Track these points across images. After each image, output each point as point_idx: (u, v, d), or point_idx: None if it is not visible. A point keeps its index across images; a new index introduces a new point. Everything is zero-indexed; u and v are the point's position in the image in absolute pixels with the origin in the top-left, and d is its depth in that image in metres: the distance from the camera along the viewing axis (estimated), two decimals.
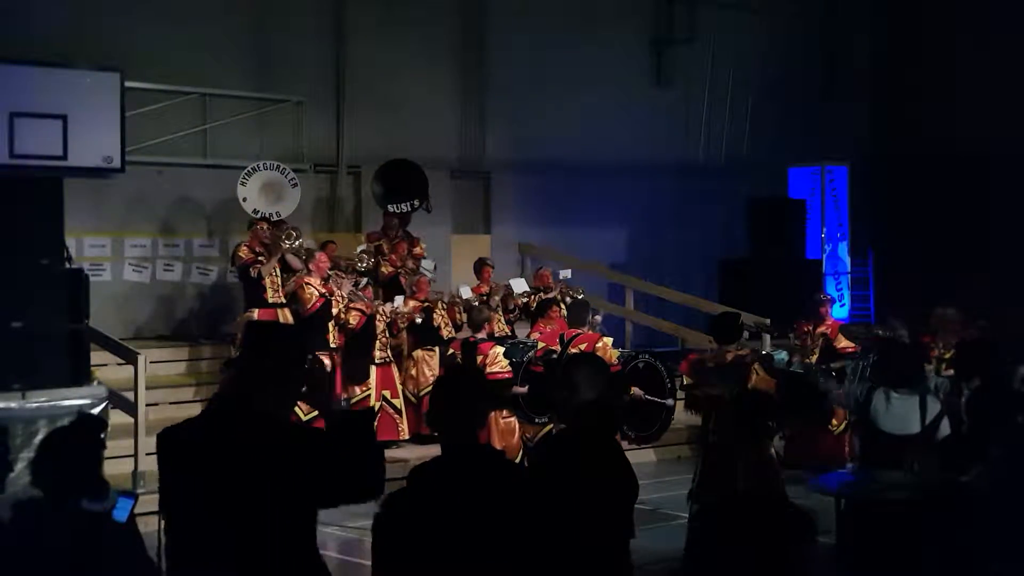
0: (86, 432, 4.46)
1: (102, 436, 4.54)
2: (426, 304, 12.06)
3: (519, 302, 12.94)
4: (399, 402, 11.77)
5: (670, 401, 10.68)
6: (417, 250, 13.21)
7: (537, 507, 3.75)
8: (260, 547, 3.57)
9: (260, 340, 3.90)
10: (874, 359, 8.41)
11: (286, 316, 11.77)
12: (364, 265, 12.40)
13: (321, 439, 3.85)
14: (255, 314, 11.71)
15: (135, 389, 9.95)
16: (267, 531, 3.57)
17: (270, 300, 11.77)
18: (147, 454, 9.95)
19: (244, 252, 11.82)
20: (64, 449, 4.34)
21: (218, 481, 3.59)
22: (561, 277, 13.44)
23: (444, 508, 3.64)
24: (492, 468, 3.77)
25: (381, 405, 11.58)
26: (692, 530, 5.36)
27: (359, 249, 12.78)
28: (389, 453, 11.64)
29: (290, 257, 11.86)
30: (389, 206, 13.45)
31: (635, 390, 9.36)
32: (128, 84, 12.41)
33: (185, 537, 3.63)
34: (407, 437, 11.86)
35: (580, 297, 12.67)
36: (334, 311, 11.26)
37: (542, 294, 12.87)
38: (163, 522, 3.74)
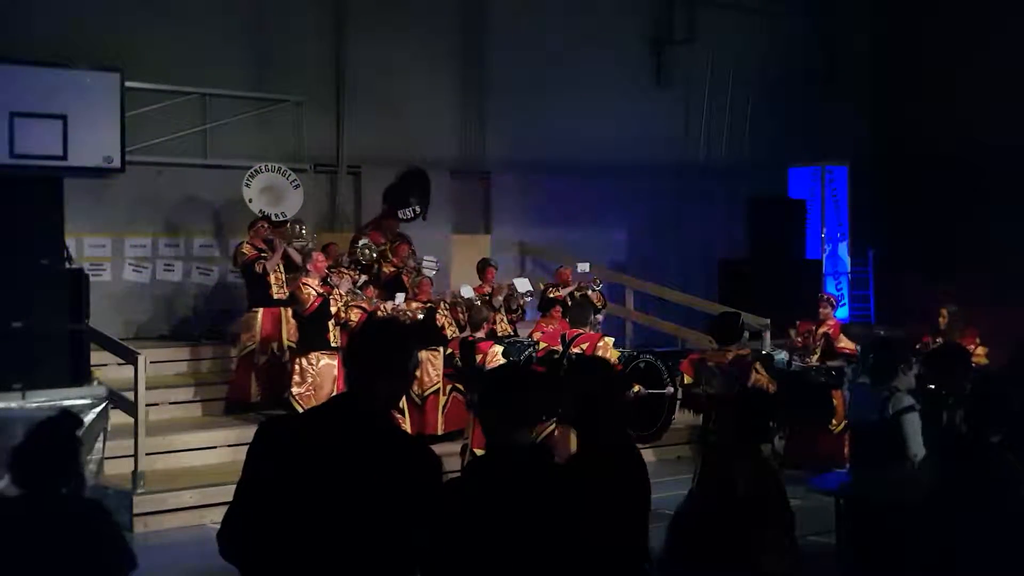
0: (65, 428, 4.50)
1: (78, 433, 4.56)
2: (428, 305, 12.05)
3: (523, 301, 12.96)
4: (402, 402, 11.76)
5: (670, 389, 10.63)
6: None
7: (577, 511, 3.74)
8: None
9: (372, 337, 3.79)
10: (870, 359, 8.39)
11: (289, 314, 11.77)
12: (366, 258, 12.37)
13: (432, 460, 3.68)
14: (259, 313, 11.70)
15: (135, 389, 9.92)
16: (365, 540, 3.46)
17: (275, 297, 11.76)
18: (147, 454, 9.97)
19: (247, 249, 11.82)
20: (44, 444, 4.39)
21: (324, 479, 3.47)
22: (579, 271, 13.51)
23: (491, 503, 3.64)
24: (538, 468, 3.75)
25: None
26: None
27: (361, 243, 12.75)
28: None
29: (292, 252, 11.87)
30: (400, 211, 13.75)
31: (636, 387, 9.37)
32: (128, 84, 12.41)
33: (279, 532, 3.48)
34: None
35: (599, 288, 12.86)
36: (333, 310, 11.24)
37: (559, 290, 12.94)
38: (239, 516, 3.55)
